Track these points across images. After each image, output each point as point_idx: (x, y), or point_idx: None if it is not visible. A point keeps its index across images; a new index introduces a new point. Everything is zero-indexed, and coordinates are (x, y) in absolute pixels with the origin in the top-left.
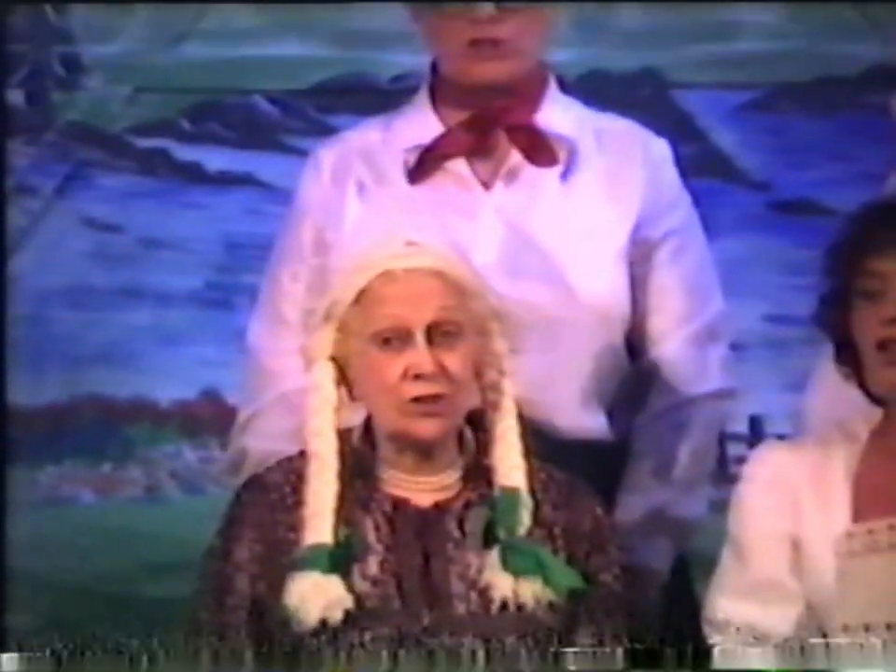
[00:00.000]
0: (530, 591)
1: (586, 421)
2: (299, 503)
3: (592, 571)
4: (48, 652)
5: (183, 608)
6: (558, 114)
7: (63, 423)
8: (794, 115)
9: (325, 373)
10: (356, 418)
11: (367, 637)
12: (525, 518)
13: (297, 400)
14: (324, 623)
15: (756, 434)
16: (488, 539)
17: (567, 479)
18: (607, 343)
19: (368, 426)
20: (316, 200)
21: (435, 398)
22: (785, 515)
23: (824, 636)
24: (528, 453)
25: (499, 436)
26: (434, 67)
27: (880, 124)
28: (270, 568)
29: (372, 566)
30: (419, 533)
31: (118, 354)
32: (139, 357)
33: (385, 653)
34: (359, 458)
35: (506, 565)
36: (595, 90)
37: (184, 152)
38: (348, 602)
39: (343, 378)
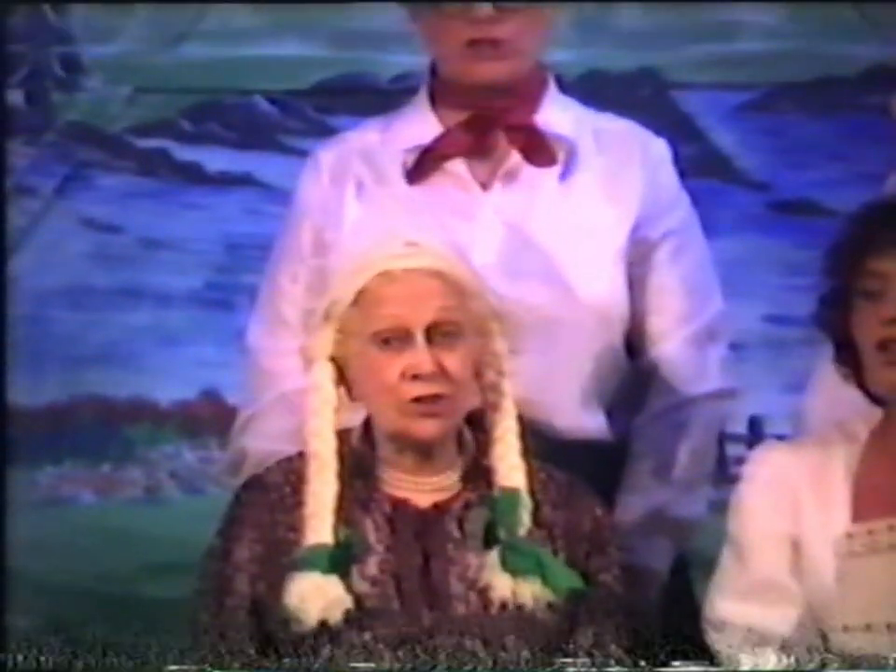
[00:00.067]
0: (530, 591)
1: (585, 421)
2: (298, 503)
3: (592, 572)
4: (47, 653)
5: (183, 608)
6: (557, 114)
7: (63, 423)
8: (794, 115)
9: (324, 374)
10: (355, 418)
11: (366, 637)
12: (525, 518)
13: (296, 401)
14: (324, 623)
15: (756, 434)
16: (488, 540)
17: (566, 479)
18: (606, 343)
19: (367, 426)
20: (315, 200)
21: (435, 397)
22: (785, 516)
23: (824, 636)
24: (528, 453)
25: (499, 436)
26: (433, 68)
27: (880, 124)
28: (269, 569)
29: (372, 566)
30: (419, 533)
31: (117, 354)
32: (139, 358)
33: (384, 654)
34: (359, 459)
35: (505, 565)
36: (595, 90)
37: (184, 152)
38: (348, 602)
39: (343, 378)
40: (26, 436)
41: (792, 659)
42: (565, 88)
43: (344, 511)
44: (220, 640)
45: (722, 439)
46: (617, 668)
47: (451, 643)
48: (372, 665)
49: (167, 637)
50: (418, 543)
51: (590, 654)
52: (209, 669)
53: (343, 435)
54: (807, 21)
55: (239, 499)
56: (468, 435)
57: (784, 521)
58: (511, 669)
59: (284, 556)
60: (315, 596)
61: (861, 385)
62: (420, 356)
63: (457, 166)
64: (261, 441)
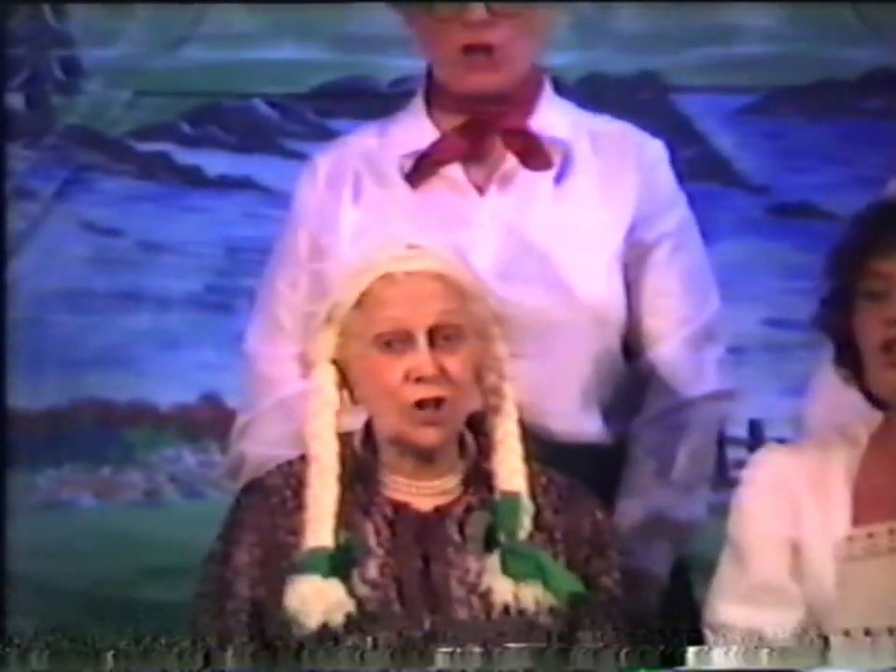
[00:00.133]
0: (531, 595)
1: (583, 425)
2: (299, 507)
3: (592, 575)
4: (47, 656)
5: (183, 612)
6: (553, 117)
7: (63, 426)
8: (793, 118)
9: (326, 376)
10: (356, 422)
11: (367, 640)
12: (526, 522)
13: (294, 406)
14: (324, 626)
15: (756, 438)
16: (489, 544)
17: (567, 483)
18: (603, 345)
19: (368, 429)
20: (312, 206)
21: (436, 403)
22: (785, 519)
23: (824, 640)
24: (529, 457)
25: (500, 440)
26: (429, 72)
27: (879, 128)
28: (270, 572)
29: (373, 570)
30: (419, 537)
31: (117, 357)
32: (139, 361)
33: (385, 657)
34: (360, 462)
35: (506, 569)
36: (595, 93)
37: (184, 156)
38: (349, 606)
39: (344, 381)
40: (26, 439)
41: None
42: (565, 91)
43: (345, 515)
44: (221, 644)
45: (722, 442)
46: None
47: (451, 647)
48: (373, 668)
49: (167, 640)
50: (419, 547)
51: (591, 658)
52: None
53: (344, 438)
54: (807, 25)
55: (239, 503)
56: (469, 439)
57: (784, 524)
58: None
59: (284, 560)
60: (316, 600)
61: (862, 388)
62: (422, 358)
63: (453, 171)
64: (260, 446)
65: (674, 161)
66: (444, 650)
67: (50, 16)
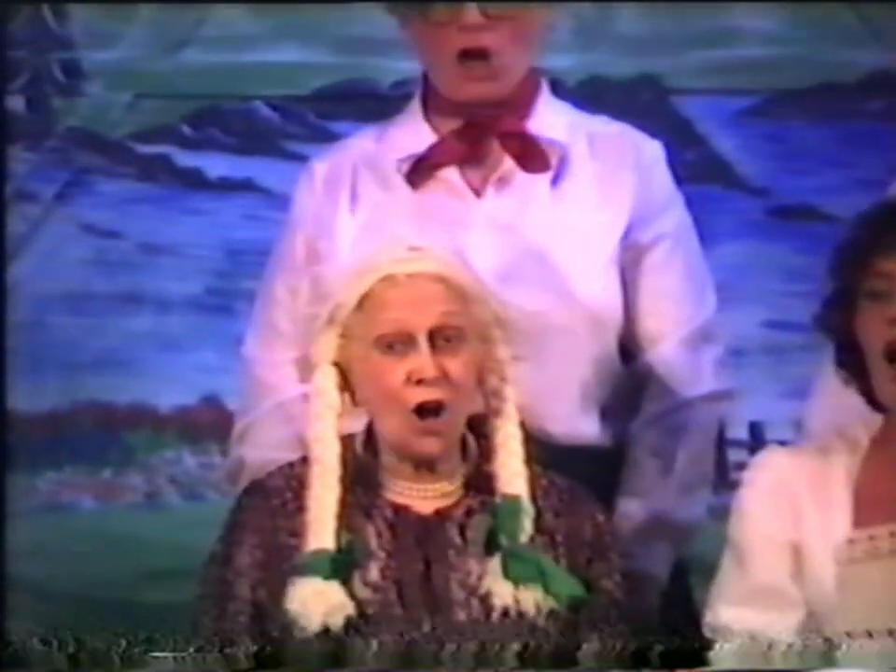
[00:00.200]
0: (531, 598)
1: (582, 427)
2: (300, 509)
3: (593, 578)
4: (47, 659)
5: (183, 614)
6: (550, 119)
7: (63, 429)
8: (794, 121)
9: (327, 378)
10: (357, 424)
11: (368, 643)
12: (527, 525)
13: (293, 409)
14: (325, 628)
15: (756, 440)
16: (489, 547)
17: (568, 486)
18: (601, 347)
19: (370, 432)
20: (309, 210)
21: (437, 411)
22: (786, 521)
23: (825, 642)
24: (530, 460)
25: (501, 443)
26: (426, 76)
27: (880, 131)
28: (271, 574)
29: (374, 572)
30: (420, 540)
31: (118, 360)
32: (139, 363)
33: (386, 660)
34: (361, 465)
35: (507, 572)
36: (595, 95)
37: (184, 158)
38: (349, 608)
39: (346, 383)
40: (26, 442)
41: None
42: (565, 93)
43: (346, 517)
44: (222, 646)
45: (723, 444)
46: None
47: (452, 650)
48: (374, 670)
49: (167, 642)
50: (420, 550)
51: (591, 661)
52: None
53: (345, 441)
54: (808, 28)
55: (241, 505)
56: (471, 441)
57: (785, 526)
58: None
59: (285, 562)
60: (317, 602)
61: (862, 390)
62: (423, 360)
63: (450, 173)
64: (259, 450)
65: (674, 164)
66: (445, 652)
67: (51, 18)
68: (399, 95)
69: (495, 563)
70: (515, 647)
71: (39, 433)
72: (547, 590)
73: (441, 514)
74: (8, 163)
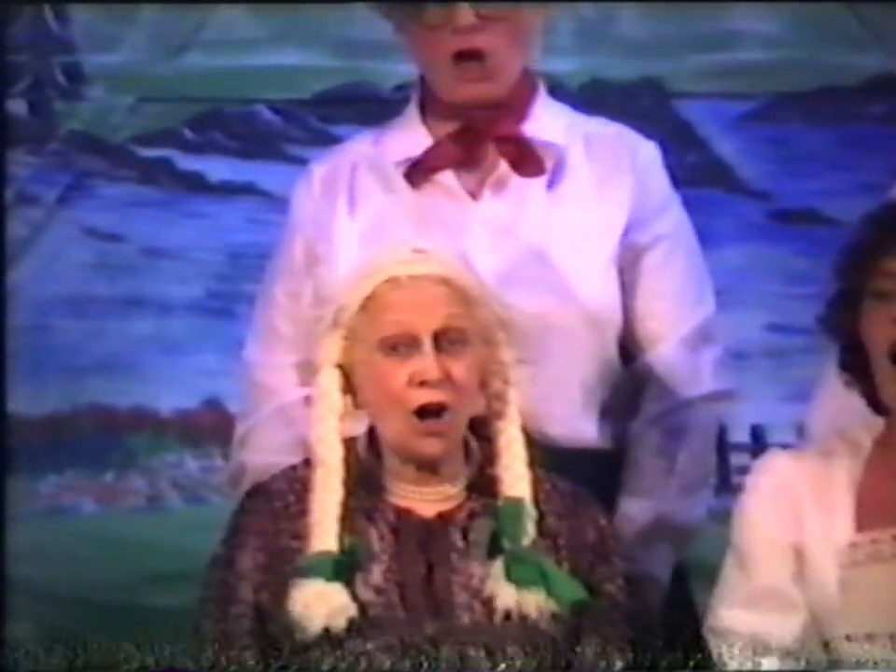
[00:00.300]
0: (534, 602)
1: (582, 429)
2: (303, 512)
3: (596, 582)
4: (48, 663)
5: (185, 617)
6: (547, 121)
7: (65, 432)
8: (795, 124)
9: (331, 380)
10: (358, 427)
11: (370, 645)
12: (530, 529)
13: (294, 413)
14: (327, 630)
15: (758, 444)
16: (492, 550)
17: (571, 489)
18: (600, 349)
19: (372, 435)
20: (308, 214)
21: (438, 412)
22: (788, 525)
23: (827, 645)
24: (533, 463)
25: (504, 446)
26: (422, 79)
27: (881, 134)
28: (273, 577)
29: (376, 575)
30: (423, 543)
31: (119, 363)
32: (140, 367)
33: (388, 662)
34: (364, 468)
35: (509, 575)
36: (596, 98)
37: (186, 162)
38: (351, 610)
39: (348, 386)
40: (27, 445)
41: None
42: (567, 97)
43: (349, 520)
44: (224, 648)
45: (725, 447)
46: None
47: (454, 653)
48: None
49: (169, 646)
50: (422, 553)
51: (594, 664)
52: None
53: (348, 443)
54: (809, 31)
55: (243, 507)
56: (474, 444)
57: (787, 530)
58: None
59: (287, 565)
60: (319, 604)
61: (865, 393)
62: (427, 362)
63: (446, 177)
64: (260, 454)
65: (675, 167)
66: (447, 655)
67: (53, 22)
68: (400, 99)
69: (497, 566)
70: (517, 650)
71: (40, 436)
72: (549, 593)
73: (443, 517)
74: (10, 167)
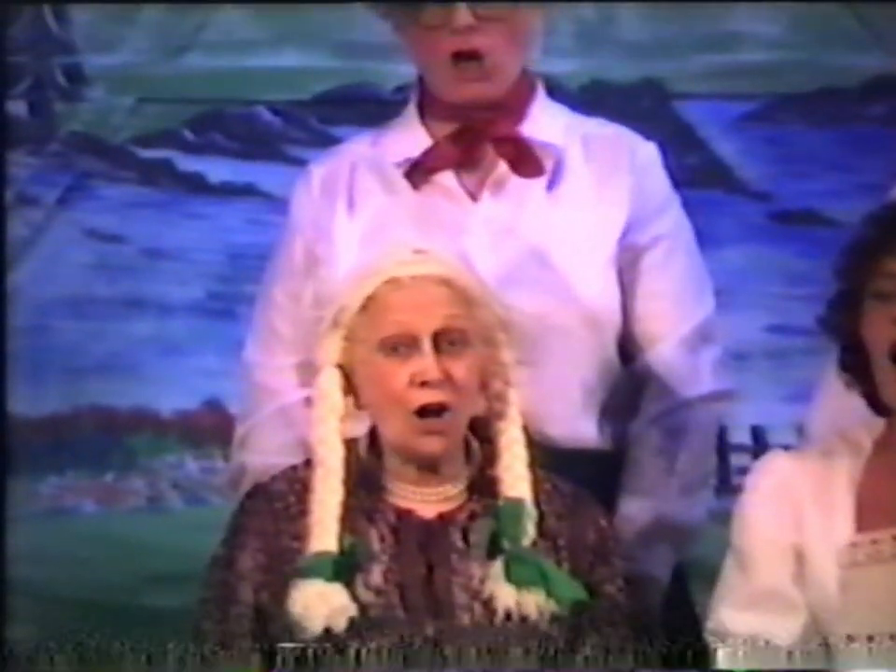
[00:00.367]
0: (533, 602)
1: (582, 430)
2: (303, 512)
3: (596, 583)
4: (49, 664)
5: (185, 618)
6: (545, 122)
7: (65, 433)
8: (796, 126)
9: (331, 381)
10: (359, 428)
11: (370, 646)
12: (530, 529)
13: (293, 414)
14: (327, 631)
15: (759, 444)
16: (492, 550)
17: (571, 490)
18: (600, 349)
19: (373, 436)
20: (307, 215)
21: (439, 411)
22: (788, 525)
23: (827, 646)
24: (533, 464)
25: (505, 447)
26: (421, 80)
27: (881, 135)
28: (274, 577)
29: (376, 576)
30: (423, 544)
31: (119, 364)
32: (141, 368)
33: (388, 663)
34: (364, 468)
35: (509, 576)
36: (597, 100)
37: (186, 163)
38: (352, 610)
39: (349, 386)
40: (28, 446)
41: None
42: (567, 98)
43: (349, 521)
44: (224, 649)
45: (725, 448)
46: None
47: (454, 653)
48: None
49: (169, 646)
50: (422, 554)
51: (593, 665)
52: None
53: (348, 444)
54: (809, 32)
55: (243, 508)
56: (474, 445)
57: (787, 530)
58: None
59: (288, 565)
60: (319, 604)
61: (865, 393)
62: (427, 362)
63: (446, 178)
64: (260, 455)
65: (676, 168)
66: (447, 656)
67: (53, 23)
68: (401, 100)
69: (497, 567)
70: (518, 651)
71: (41, 437)
72: (549, 594)
73: (444, 518)
74: (10, 168)
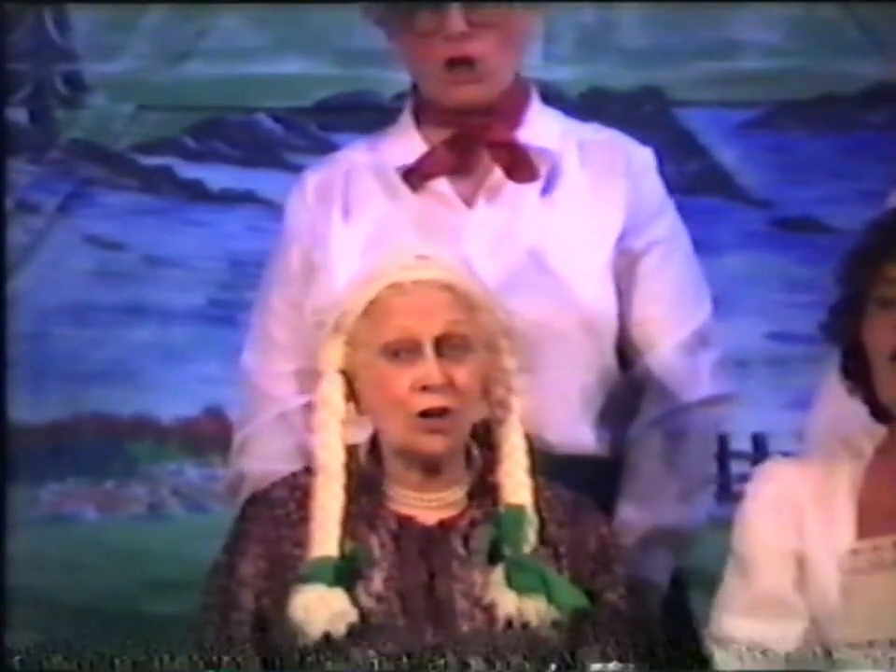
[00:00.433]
0: (534, 609)
1: (581, 435)
2: (304, 519)
3: (597, 590)
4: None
5: (186, 625)
6: (541, 128)
7: (66, 440)
8: (796, 133)
9: (333, 386)
10: (360, 434)
11: (371, 653)
12: (531, 536)
13: (292, 420)
14: (328, 636)
15: (759, 451)
16: (493, 557)
17: (572, 497)
18: (598, 354)
19: (374, 442)
20: (303, 222)
21: (441, 412)
22: (789, 532)
23: (828, 652)
24: (534, 470)
25: (506, 453)
26: (416, 86)
27: (882, 142)
28: (275, 584)
29: (377, 582)
30: (424, 550)
31: (120, 371)
32: (142, 375)
33: (389, 670)
34: (365, 474)
35: (510, 583)
36: (597, 107)
37: (187, 170)
38: (352, 615)
39: (351, 392)
40: (28, 453)
41: None
42: (568, 105)
43: (350, 527)
44: (225, 655)
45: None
46: None
47: (455, 660)
48: None
49: (169, 654)
50: (423, 560)
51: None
52: None
53: (349, 450)
54: (809, 39)
55: (244, 515)
56: (475, 451)
57: (789, 537)
58: None
59: (289, 572)
60: (320, 608)
61: (867, 399)
62: (429, 367)
63: (441, 184)
64: (259, 461)
65: (677, 176)
66: (448, 663)
67: (53, 30)
68: (401, 107)
69: (498, 573)
70: (518, 658)
71: (41, 444)
72: (550, 600)
73: (444, 525)
74: (11, 175)
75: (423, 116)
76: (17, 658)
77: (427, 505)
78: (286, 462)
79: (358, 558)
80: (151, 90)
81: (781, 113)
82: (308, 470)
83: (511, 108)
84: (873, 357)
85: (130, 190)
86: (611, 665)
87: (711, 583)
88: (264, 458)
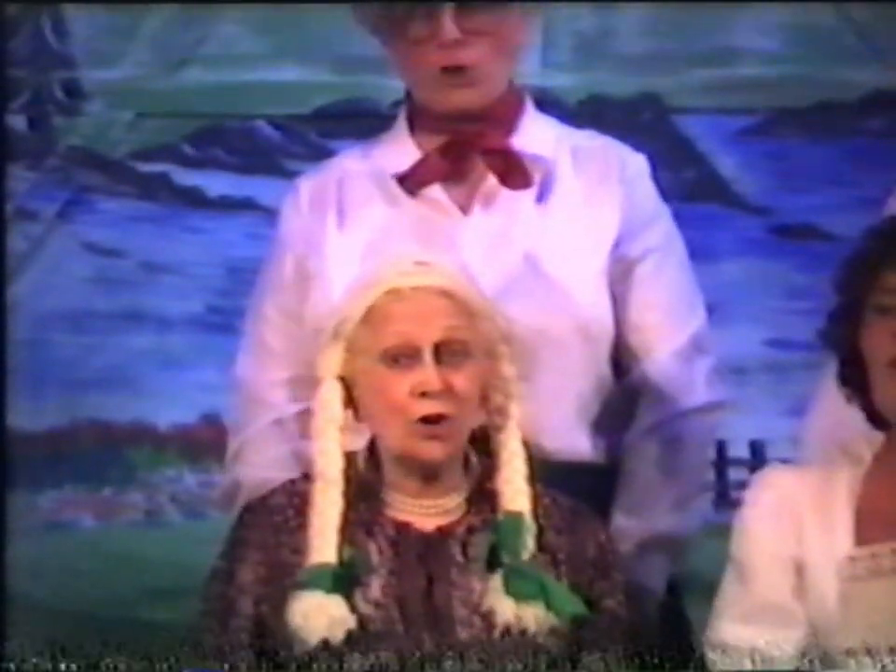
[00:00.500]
0: (533, 616)
1: (577, 442)
2: (302, 526)
3: (595, 597)
4: None
5: (184, 632)
6: (535, 135)
7: (64, 447)
8: (794, 140)
9: (332, 393)
10: (358, 441)
11: (369, 660)
12: (529, 543)
13: (287, 428)
14: (326, 643)
15: (757, 458)
16: (491, 564)
17: (570, 504)
18: (594, 362)
19: (372, 448)
20: (296, 230)
21: (440, 418)
22: (788, 539)
23: (827, 659)
24: (533, 477)
25: (505, 460)
26: (410, 94)
27: (880, 149)
28: (273, 591)
29: (375, 589)
30: (422, 557)
31: (118, 378)
32: (140, 382)
33: None
34: (363, 481)
35: (509, 589)
36: (595, 114)
37: (185, 177)
38: (350, 622)
39: (349, 398)
40: (27, 460)
41: None
42: (566, 112)
43: (348, 533)
44: (223, 662)
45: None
46: None
47: (453, 667)
48: None
49: (168, 660)
50: (422, 567)
51: None
52: None
53: (348, 457)
54: (808, 46)
55: (243, 521)
56: (473, 458)
57: (787, 544)
58: None
59: (287, 578)
60: (318, 614)
61: (865, 407)
62: (428, 373)
63: (435, 192)
64: (254, 469)
65: (675, 183)
66: (446, 670)
67: (52, 37)
68: (398, 114)
69: (496, 580)
70: (517, 664)
71: (39, 451)
72: (549, 607)
73: (443, 531)
74: (9, 182)
75: (417, 123)
76: (15, 664)
77: (426, 512)
78: (280, 469)
79: (357, 565)
80: (150, 97)
81: (780, 120)
82: (306, 477)
83: (504, 115)
84: (871, 365)
85: (128, 197)
86: None
87: (709, 590)
88: (259, 466)
